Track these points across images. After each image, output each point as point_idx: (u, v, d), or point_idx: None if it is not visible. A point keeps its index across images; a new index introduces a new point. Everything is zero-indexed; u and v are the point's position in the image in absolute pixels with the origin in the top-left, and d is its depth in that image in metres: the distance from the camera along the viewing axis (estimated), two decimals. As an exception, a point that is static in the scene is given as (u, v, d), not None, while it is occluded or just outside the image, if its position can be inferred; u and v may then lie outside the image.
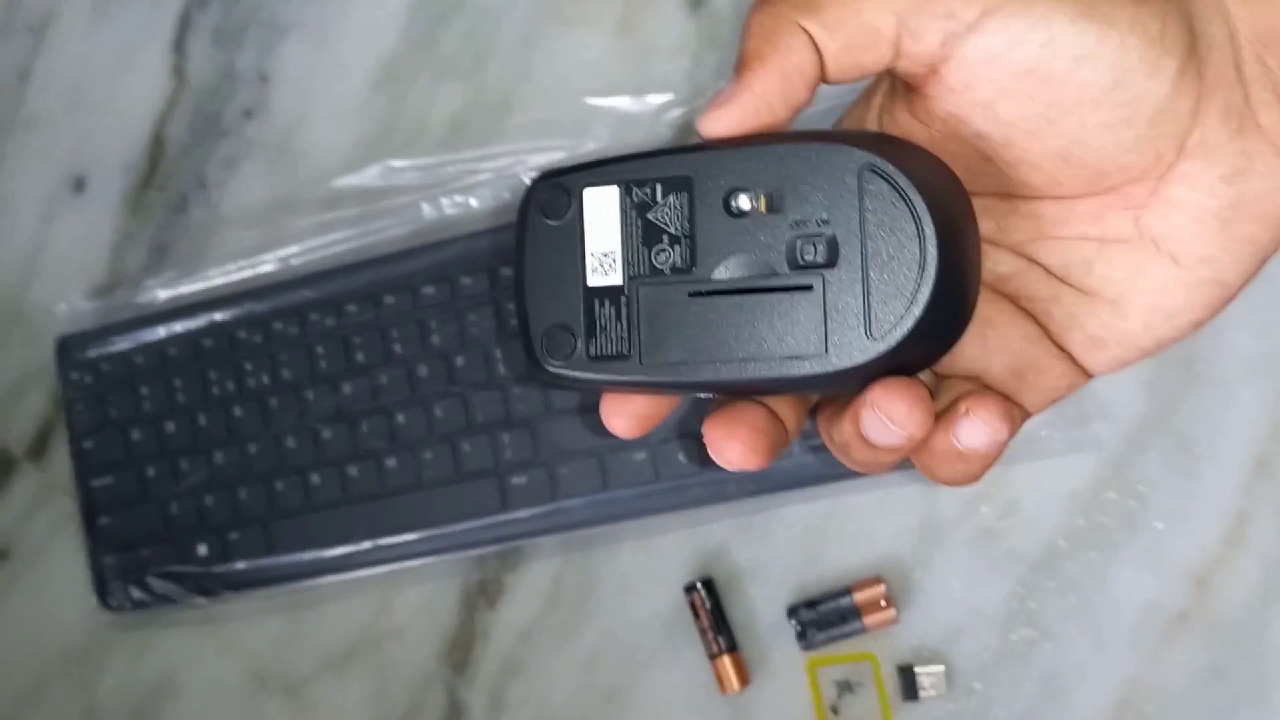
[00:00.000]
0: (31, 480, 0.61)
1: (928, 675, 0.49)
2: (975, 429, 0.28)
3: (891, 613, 0.49)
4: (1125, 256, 0.29)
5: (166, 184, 0.60)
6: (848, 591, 0.50)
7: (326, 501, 0.54)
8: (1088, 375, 0.31)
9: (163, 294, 0.58)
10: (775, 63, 0.28)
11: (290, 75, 0.59)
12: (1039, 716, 0.48)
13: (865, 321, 0.27)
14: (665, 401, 0.31)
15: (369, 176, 0.57)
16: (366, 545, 0.54)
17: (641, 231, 0.29)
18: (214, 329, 0.56)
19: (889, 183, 0.27)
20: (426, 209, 0.56)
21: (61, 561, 0.60)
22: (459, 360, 0.53)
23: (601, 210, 0.30)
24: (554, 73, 0.55)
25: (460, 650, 0.54)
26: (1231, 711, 0.47)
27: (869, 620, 0.50)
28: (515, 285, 0.31)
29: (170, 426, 0.57)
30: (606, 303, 0.29)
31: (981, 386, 0.31)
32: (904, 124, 0.30)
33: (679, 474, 0.51)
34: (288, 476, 0.55)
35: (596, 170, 0.30)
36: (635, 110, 0.54)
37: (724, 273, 0.28)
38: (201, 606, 0.56)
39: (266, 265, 0.57)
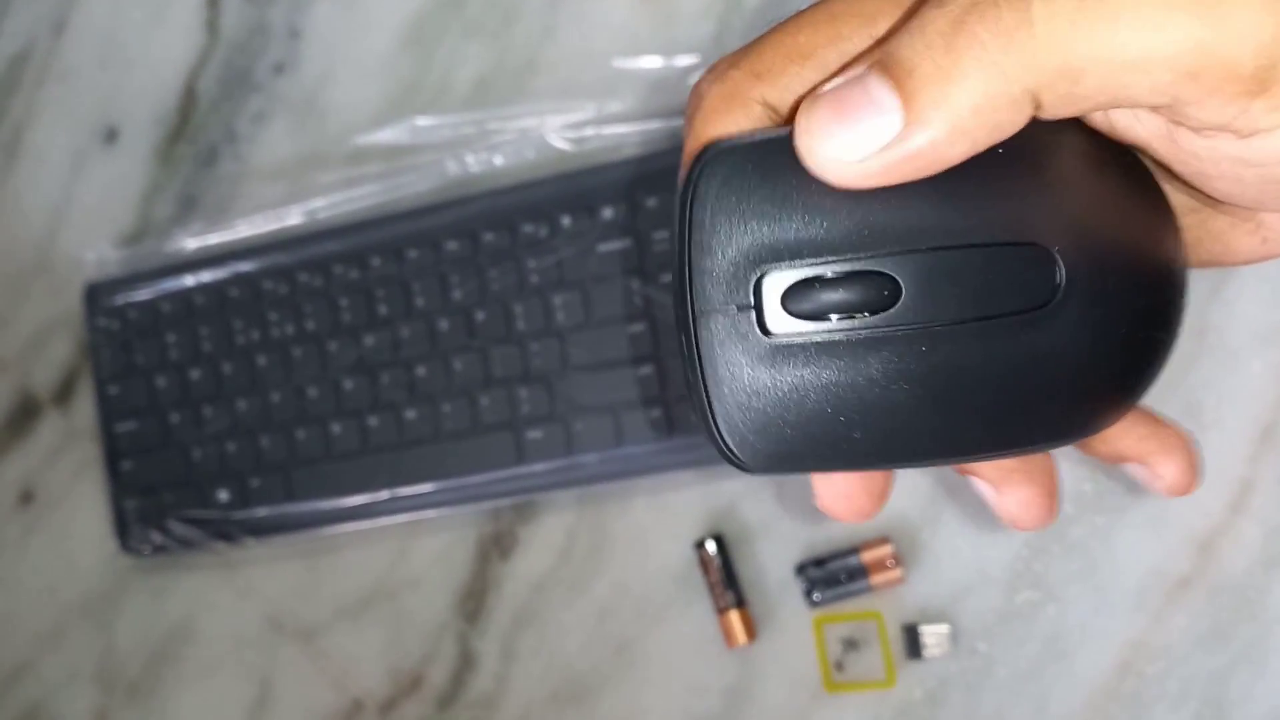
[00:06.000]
0: (56, 425, 0.62)
1: (932, 634, 0.50)
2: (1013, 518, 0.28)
3: (898, 572, 0.50)
4: None
5: (197, 136, 0.61)
6: (855, 551, 0.51)
7: (346, 451, 0.55)
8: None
9: (190, 244, 0.59)
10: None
11: (321, 32, 0.60)
12: (1041, 677, 0.49)
13: None
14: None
15: (395, 133, 0.58)
16: (384, 495, 0.55)
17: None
18: (240, 279, 0.57)
19: None
20: (451, 166, 0.56)
21: (83, 505, 0.61)
22: (479, 315, 0.54)
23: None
24: (580, 34, 0.56)
25: (474, 600, 0.55)
26: (1231, 673, 0.47)
27: (876, 579, 0.50)
28: None
29: (194, 374, 0.58)
30: None
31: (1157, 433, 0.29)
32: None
33: (693, 432, 0.52)
34: (308, 425, 0.56)
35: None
36: (661, 72, 0.55)
37: None
38: (220, 552, 0.58)
39: (293, 218, 0.58)
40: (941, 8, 0.19)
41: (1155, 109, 0.21)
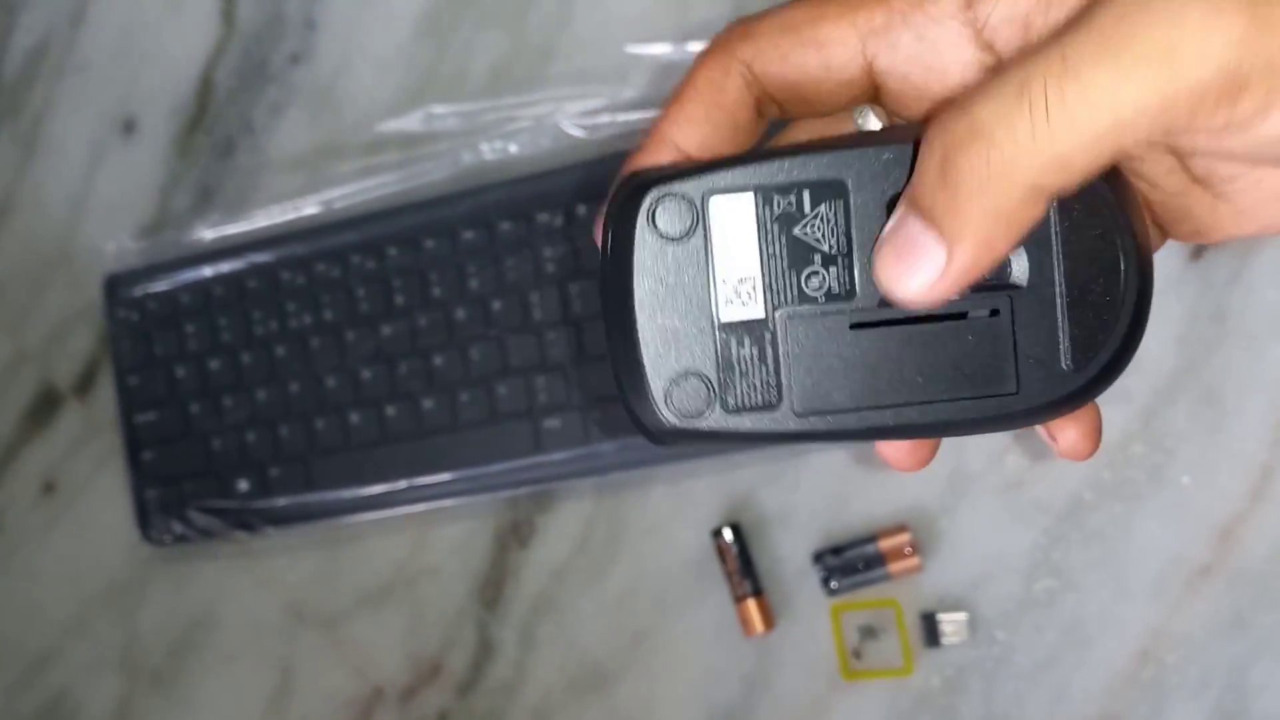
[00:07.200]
0: (77, 416, 0.62)
1: (950, 622, 0.50)
2: (1068, 452, 0.28)
3: (916, 560, 0.50)
4: (1276, 181, 0.27)
5: (214, 127, 0.61)
6: (873, 539, 0.51)
7: (365, 440, 0.56)
8: (1164, 239, 0.30)
9: (209, 235, 0.60)
10: None
11: (336, 22, 0.59)
12: (1060, 665, 0.49)
13: (1062, 350, 0.24)
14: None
15: (411, 122, 0.58)
16: (402, 484, 0.55)
17: (786, 250, 0.24)
18: (258, 269, 0.57)
19: (1087, 191, 0.23)
20: (467, 155, 0.56)
21: (105, 495, 0.61)
22: (496, 304, 0.54)
23: (734, 224, 0.24)
24: (595, 20, 0.56)
25: (492, 589, 0.56)
26: (1251, 661, 0.47)
27: (894, 567, 0.50)
28: (616, 322, 0.25)
29: (214, 364, 0.58)
30: (746, 340, 0.25)
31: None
32: None
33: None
34: (327, 415, 0.56)
35: (721, 173, 0.24)
36: (676, 58, 0.54)
37: None
38: (241, 541, 0.58)
39: (310, 208, 0.59)
40: (930, 148, 0.22)
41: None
